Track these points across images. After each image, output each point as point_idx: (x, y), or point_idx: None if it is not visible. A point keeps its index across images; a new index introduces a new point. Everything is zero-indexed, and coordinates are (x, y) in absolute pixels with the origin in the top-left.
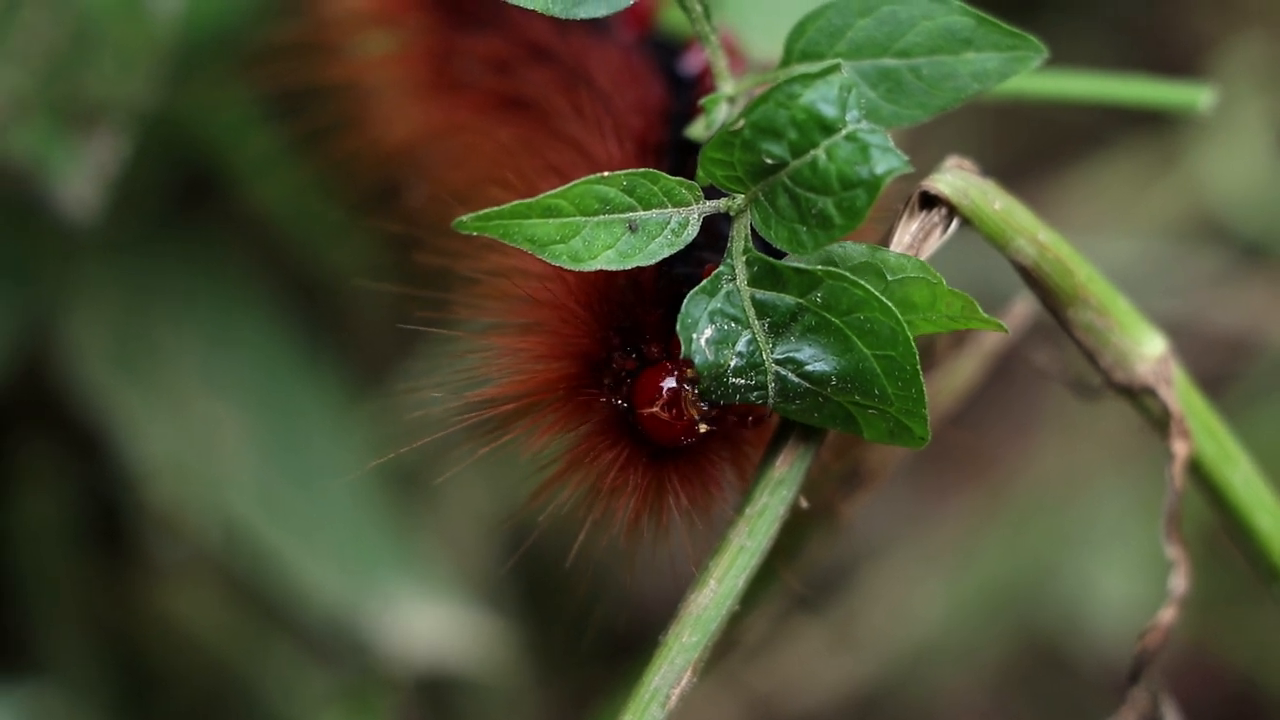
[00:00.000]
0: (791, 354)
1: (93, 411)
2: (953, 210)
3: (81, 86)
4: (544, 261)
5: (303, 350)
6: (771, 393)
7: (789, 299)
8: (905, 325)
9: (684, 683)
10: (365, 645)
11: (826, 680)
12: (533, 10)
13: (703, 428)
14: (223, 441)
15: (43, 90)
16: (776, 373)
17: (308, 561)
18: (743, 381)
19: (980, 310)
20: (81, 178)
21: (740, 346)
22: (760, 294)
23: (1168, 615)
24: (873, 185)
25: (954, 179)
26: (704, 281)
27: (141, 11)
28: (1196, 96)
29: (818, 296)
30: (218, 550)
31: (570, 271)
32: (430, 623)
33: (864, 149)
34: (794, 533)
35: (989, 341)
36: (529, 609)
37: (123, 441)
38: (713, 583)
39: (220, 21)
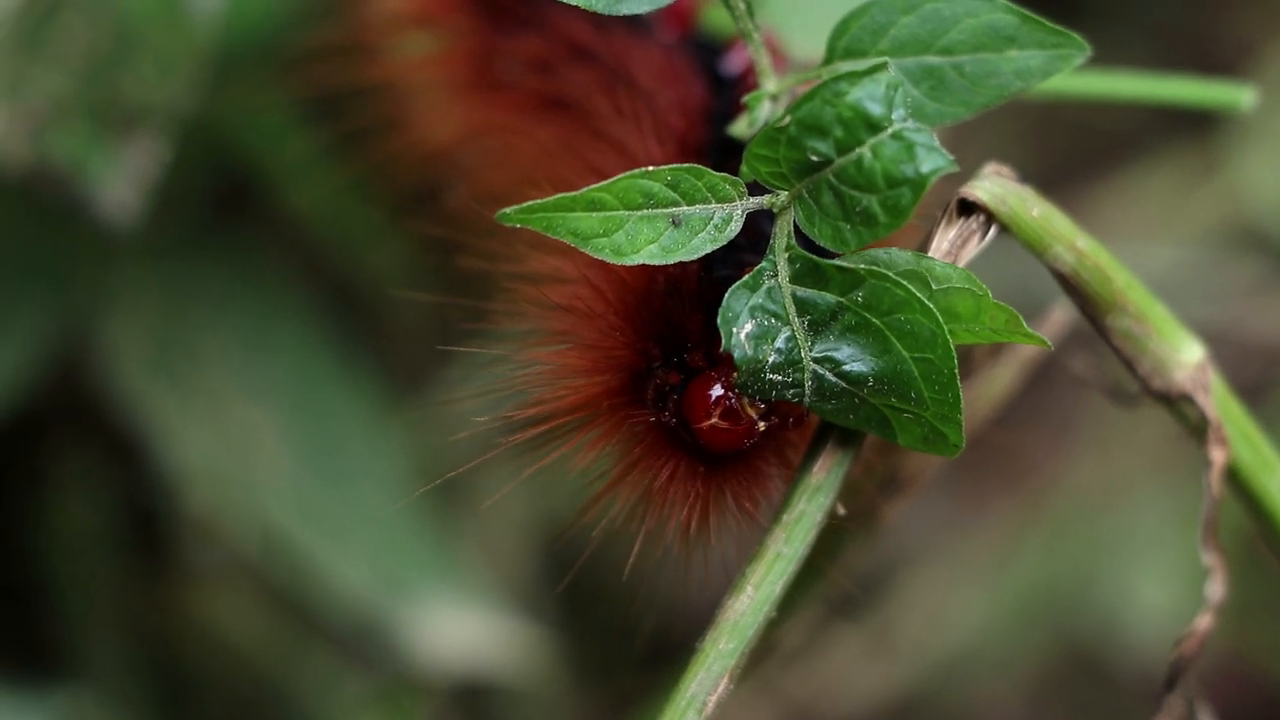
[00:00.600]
0: (830, 353)
1: (130, 417)
2: (991, 217)
3: (121, 90)
4: (582, 269)
5: (340, 355)
6: (808, 391)
7: (830, 297)
8: (945, 328)
9: (721, 690)
10: (401, 650)
11: (863, 687)
12: (574, 9)
13: (762, 426)
14: (260, 447)
15: (82, 94)
16: (814, 371)
17: (344, 566)
18: (780, 378)
19: (1024, 325)
20: (120, 182)
21: (779, 343)
22: (801, 291)
23: (1204, 623)
24: (918, 184)
25: (992, 185)
26: (746, 276)
27: (181, 15)
28: (1238, 96)
29: (859, 296)
30: (254, 556)
31: (609, 281)
32: (466, 628)
33: (910, 147)
34: (831, 539)
35: (1027, 349)
36: (565, 615)
37: (160, 447)
38: (750, 589)
39: (260, 25)
